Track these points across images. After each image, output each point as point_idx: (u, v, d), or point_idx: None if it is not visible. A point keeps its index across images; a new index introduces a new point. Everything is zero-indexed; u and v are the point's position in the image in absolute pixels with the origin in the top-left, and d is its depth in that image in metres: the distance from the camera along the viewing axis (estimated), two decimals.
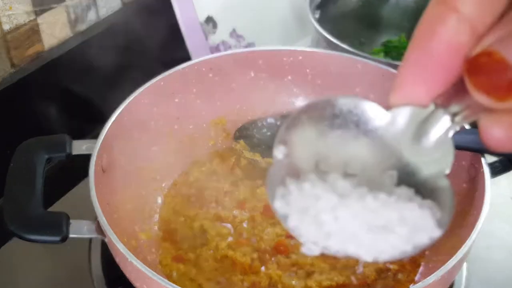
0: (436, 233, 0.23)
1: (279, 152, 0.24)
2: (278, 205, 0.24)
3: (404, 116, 0.21)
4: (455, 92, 0.21)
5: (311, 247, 0.23)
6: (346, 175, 0.23)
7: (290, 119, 0.24)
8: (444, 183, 0.23)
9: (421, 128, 0.21)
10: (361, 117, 0.23)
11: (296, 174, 0.24)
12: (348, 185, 0.23)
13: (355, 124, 0.23)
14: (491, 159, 0.60)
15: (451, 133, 0.21)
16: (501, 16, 0.19)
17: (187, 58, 0.81)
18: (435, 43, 0.20)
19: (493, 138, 0.20)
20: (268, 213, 0.62)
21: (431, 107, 0.21)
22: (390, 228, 0.22)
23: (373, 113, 0.23)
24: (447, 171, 0.23)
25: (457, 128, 0.21)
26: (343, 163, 0.23)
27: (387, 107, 0.22)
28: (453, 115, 0.21)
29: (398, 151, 0.22)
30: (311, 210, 0.23)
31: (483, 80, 0.19)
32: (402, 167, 0.22)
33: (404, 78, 0.21)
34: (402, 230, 0.22)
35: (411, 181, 0.23)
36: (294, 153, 0.24)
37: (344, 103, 0.23)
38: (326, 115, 0.23)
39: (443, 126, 0.21)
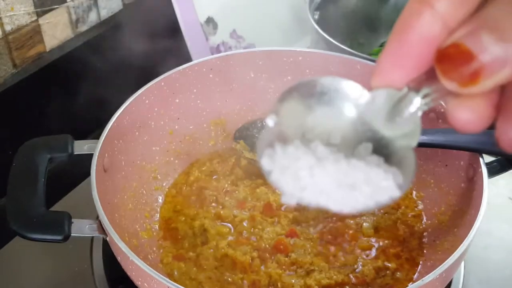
0: (396, 193, 0.26)
1: (271, 120, 0.27)
2: (265, 162, 0.27)
3: (382, 97, 0.25)
4: (426, 78, 0.23)
5: (288, 198, 0.26)
6: (328, 144, 0.26)
7: (282, 94, 0.27)
8: (410, 154, 0.26)
9: (395, 107, 0.24)
10: (345, 95, 0.26)
11: (283, 139, 0.27)
12: (327, 151, 0.26)
13: (339, 101, 0.26)
14: (489, 159, 0.60)
15: (420, 113, 0.24)
16: (472, 13, 0.22)
17: (187, 58, 0.82)
18: (411, 35, 0.22)
19: (458, 119, 0.23)
20: (268, 213, 0.63)
21: (405, 89, 0.24)
22: (357, 186, 0.26)
23: (356, 92, 0.26)
24: (414, 145, 0.25)
25: (426, 108, 0.24)
26: (326, 134, 0.26)
27: (369, 88, 0.25)
28: (423, 97, 0.24)
29: (374, 126, 0.26)
30: (291, 168, 0.26)
31: (451, 68, 0.21)
32: (376, 140, 0.26)
33: (383, 64, 0.23)
34: (367, 189, 0.25)
35: (382, 152, 0.26)
36: (284, 122, 0.27)
37: (331, 82, 0.26)
38: (315, 92, 0.26)
39: (414, 106, 0.24)
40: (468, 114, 0.22)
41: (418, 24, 0.22)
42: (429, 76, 0.23)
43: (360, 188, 0.25)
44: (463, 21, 0.22)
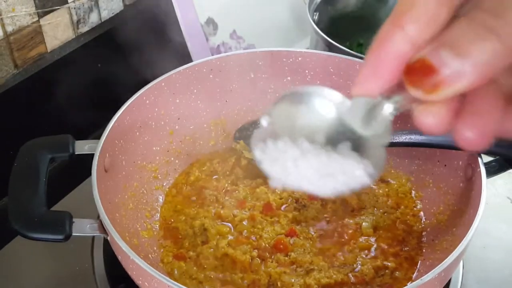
0: (366, 181, 0.31)
1: (265, 121, 0.32)
2: (257, 153, 0.32)
3: (360, 103, 0.29)
4: (397, 87, 0.27)
5: (275, 183, 0.31)
6: (313, 142, 0.31)
7: (276, 100, 0.32)
8: (382, 151, 0.30)
9: (371, 112, 0.29)
10: (329, 102, 0.31)
11: (274, 137, 0.32)
12: (311, 147, 0.31)
13: (324, 107, 0.31)
14: (488, 159, 0.61)
15: (391, 117, 0.28)
16: (438, 34, 0.25)
17: (188, 59, 0.82)
18: (385, 52, 0.26)
19: (423, 123, 0.27)
20: (268, 212, 0.63)
21: (379, 97, 0.28)
22: (334, 175, 0.31)
23: (338, 100, 0.31)
24: (385, 144, 0.30)
25: (396, 113, 0.28)
26: (312, 134, 0.31)
27: (350, 96, 0.30)
28: (394, 104, 0.28)
29: (353, 127, 0.30)
30: (280, 159, 0.31)
31: (417, 80, 0.25)
32: (354, 139, 0.30)
33: (362, 77, 0.28)
34: (342, 177, 0.31)
35: (359, 149, 0.31)
36: (276, 123, 0.32)
37: (318, 91, 0.31)
38: (303, 99, 0.31)
39: (386, 112, 0.28)
40: (431, 118, 0.26)
41: (391, 44, 0.26)
42: (399, 86, 0.27)
43: (337, 177, 0.31)
44: (430, 40, 0.25)
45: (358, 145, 0.30)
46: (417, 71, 0.25)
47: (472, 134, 0.26)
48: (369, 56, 0.27)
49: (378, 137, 0.30)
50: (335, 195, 0.31)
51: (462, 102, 0.26)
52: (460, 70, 0.24)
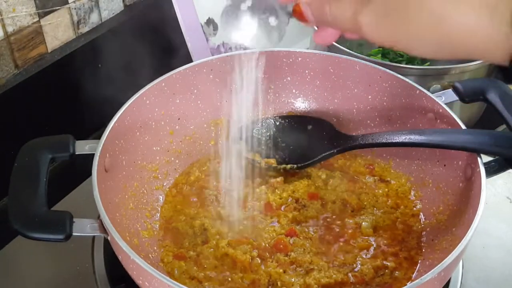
0: (268, 45, 0.54)
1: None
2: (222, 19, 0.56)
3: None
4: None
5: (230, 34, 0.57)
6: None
7: None
8: (284, 28, 0.51)
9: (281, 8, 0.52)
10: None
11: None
12: (256, 19, 0.51)
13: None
14: (487, 159, 0.61)
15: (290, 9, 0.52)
16: None
17: (188, 59, 0.82)
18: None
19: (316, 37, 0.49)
20: (268, 212, 0.63)
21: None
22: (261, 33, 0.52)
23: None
24: (286, 27, 0.51)
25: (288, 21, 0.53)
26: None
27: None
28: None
29: (278, 10, 0.52)
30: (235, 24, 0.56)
31: (295, 10, 0.47)
32: (276, 16, 0.51)
33: None
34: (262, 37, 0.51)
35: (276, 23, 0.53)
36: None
37: None
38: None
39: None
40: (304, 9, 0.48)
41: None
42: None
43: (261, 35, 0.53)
44: None
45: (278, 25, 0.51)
46: (295, 8, 0.47)
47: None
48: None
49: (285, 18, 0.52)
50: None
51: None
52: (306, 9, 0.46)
